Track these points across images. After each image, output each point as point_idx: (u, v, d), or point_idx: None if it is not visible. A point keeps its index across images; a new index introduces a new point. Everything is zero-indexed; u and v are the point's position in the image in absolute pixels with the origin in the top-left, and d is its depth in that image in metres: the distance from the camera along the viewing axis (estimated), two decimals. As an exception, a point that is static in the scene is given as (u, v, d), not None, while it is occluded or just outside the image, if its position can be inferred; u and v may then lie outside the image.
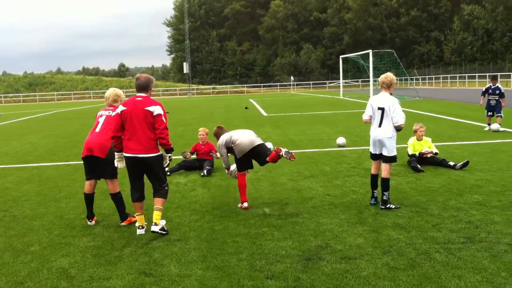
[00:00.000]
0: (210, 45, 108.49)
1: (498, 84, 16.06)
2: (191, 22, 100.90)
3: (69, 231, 6.68)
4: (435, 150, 10.20)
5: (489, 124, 15.75)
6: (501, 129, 15.12)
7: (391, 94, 7.36)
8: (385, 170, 7.20)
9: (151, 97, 6.37)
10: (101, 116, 6.98)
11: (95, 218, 7.10)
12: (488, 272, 4.72)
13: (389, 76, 7.25)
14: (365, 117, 7.44)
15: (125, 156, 6.30)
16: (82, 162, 7.01)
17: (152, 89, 6.48)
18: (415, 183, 8.66)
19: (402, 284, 4.56)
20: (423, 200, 7.48)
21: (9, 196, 8.98)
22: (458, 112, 23.11)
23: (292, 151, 7.34)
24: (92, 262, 5.48)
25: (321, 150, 12.91)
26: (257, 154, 7.44)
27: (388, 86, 7.23)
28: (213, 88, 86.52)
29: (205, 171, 9.97)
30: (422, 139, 10.33)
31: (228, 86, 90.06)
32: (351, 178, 9.27)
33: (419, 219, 6.54)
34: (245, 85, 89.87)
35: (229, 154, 7.65)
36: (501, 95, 15.77)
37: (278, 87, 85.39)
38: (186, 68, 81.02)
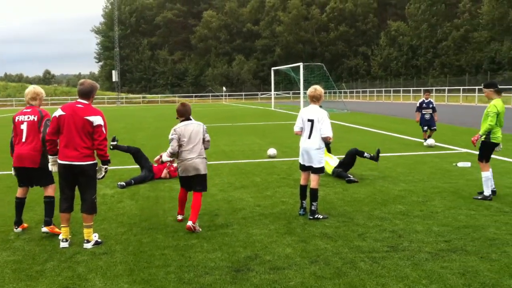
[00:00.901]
0: (141, 54, 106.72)
1: (431, 99, 16.19)
2: (121, 29, 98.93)
3: (-13, 245, 6.34)
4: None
5: (425, 140, 15.55)
6: (429, 142, 15.09)
7: (320, 106, 7.57)
8: (313, 181, 7.35)
9: (92, 105, 6.22)
10: (22, 123, 6.64)
11: (22, 225, 6.84)
12: (410, 280, 4.90)
13: (317, 89, 7.45)
14: (296, 129, 7.58)
15: (59, 163, 6.08)
16: (13, 170, 6.76)
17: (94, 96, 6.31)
18: (342, 193, 8.88)
19: (329, 293, 4.65)
20: (349, 210, 7.68)
21: None
22: (383, 124, 23.98)
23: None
24: (12, 277, 5.22)
25: (252, 161, 13.00)
26: (192, 183, 7.10)
27: (317, 99, 7.43)
28: (143, 97, 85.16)
29: (123, 183, 9.78)
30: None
31: (159, 95, 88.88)
32: (281, 189, 9.38)
33: (346, 229, 6.71)
34: (176, 94, 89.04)
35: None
36: (434, 109, 15.83)
37: (210, 98, 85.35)
38: (115, 76, 79.35)
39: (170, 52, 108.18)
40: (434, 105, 15.99)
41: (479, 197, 8.19)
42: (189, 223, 6.75)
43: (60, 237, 6.23)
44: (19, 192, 6.81)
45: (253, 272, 5.22)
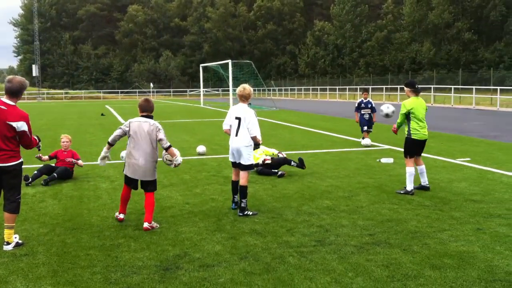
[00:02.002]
0: (63, 48, 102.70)
1: (369, 98, 15.79)
2: (41, 22, 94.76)
3: None
4: (275, 151, 10.83)
5: (363, 138, 15.25)
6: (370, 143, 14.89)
7: (249, 104, 7.63)
8: (242, 178, 7.39)
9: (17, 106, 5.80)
10: None
11: None
12: (336, 273, 5.02)
13: (246, 88, 7.51)
14: (224, 126, 7.60)
15: None
16: None
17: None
18: (272, 190, 8.97)
19: (258, 289, 4.68)
20: (278, 206, 7.77)
21: None
22: (311, 122, 24.47)
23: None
24: None
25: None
26: (144, 184, 6.91)
27: (245, 98, 7.50)
28: (66, 93, 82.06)
29: (46, 180, 9.39)
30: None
31: (83, 91, 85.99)
32: (210, 186, 9.34)
33: (275, 225, 6.78)
34: (101, 90, 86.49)
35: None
36: (373, 109, 15.46)
37: (137, 94, 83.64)
38: (35, 71, 76.03)
39: (94, 47, 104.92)
40: (373, 105, 15.61)
41: (401, 192, 8.53)
42: (145, 224, 6.59)
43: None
44: None
45: (182, 270, 5.16)
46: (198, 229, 6.62)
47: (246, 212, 7.29)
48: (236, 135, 7.36)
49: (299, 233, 6.40)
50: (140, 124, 6.74)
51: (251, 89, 7.61)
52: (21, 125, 5.72)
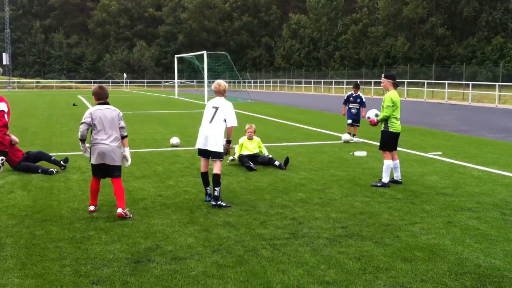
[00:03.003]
0: (34, 36, 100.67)
1: (360, 93, 14.92)
2: (12, 10, 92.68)
3: None
4: (265, 153, 10.67)
5: (349, 133, 14.66)
6: (355, 139, 14.47)
7: (225, 97, 7.62)
8: (216, 166, 7.35)
9: None
10: None
11: None
12: (309, 266, 5.03)
13: (221, 84, 7.53)
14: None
15: None
16: None
17: None
18: (245, 182, 8.94)
19: (230, 281, 4.65)
20: (252, 199, 7.75)
21: None
22: (286, 115, 24.50)
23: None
24: None
25: (154, 150, 12.73)
26: (107, 171, 6.87)
27: (221, 93, 7.54)
28: (37, 82, 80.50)
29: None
30: (252, 139, 10.71)
31: (55, 80, 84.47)
32: (184, 178, 9.26)
33: (248, 217, 6.75)
34: (73, 80, 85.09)
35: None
36: (362, 104, 14.61)
37: (110, 84, 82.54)
38: (6, 59, 74.37)
39: (66, 36, 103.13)
40: (364, 100, 14.75)
41: (378, 184, 8.58)
42: (119, 210, 6.61)
43: None
44: None
45: (153, 263, 5.10)
46: (170, 222, 6.56)
47: (220, 202, 7.26)
48: (210, 122, 7.30)
49: (272, 225, 6.39)
50: (103, 111, 6.78)
51: (226, 84, 7.63)
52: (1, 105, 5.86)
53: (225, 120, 7.34)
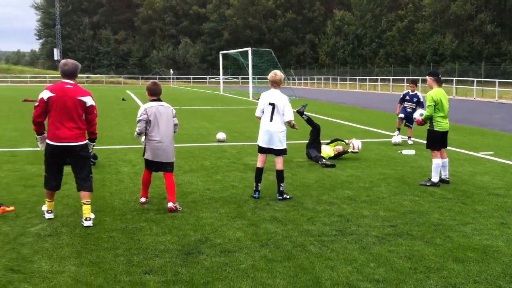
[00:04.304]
0: (83, 32, 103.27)
1: (417, 92, 13.73)
2: (62, 6, 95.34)
3: None
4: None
5: (398, 129, 13.85)
6: (409, 142, 13.37)
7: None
8: (278, 163, 7.45)
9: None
10: None
11: None
12: (358, 263, 5.01)
13: (277, 74, 7.49)
14: (257, 113, 7.60)
15: (51, 145, 6.00)
16: None
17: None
18: (291, 178, 8.95)
19: (279, 276, 4.68)
20: (298, 195, 7.76)
21: None
22: (330, 112, 24.35)
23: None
24: (-51, 260, 4.97)
25: (201, 145, 12.90)
26: (160, 165, 7.00)
27: (277, 84, 7.49)
28: (88, 77, 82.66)
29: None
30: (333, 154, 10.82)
31: (104, 76, 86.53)
32: (230, 173, 9.35)
33: (295, 213, 6.77)
34: (121, 75, 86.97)
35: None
36: (419, 104, 13.29)
37: (157, 80, 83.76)
38: (57, 55, 76.68)
39: (114, 32, 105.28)
40: (421, 99, 13.32)
41: (427, 183, 8.44)
42: (170, 204, 6.75)
43: (45, 208, 6.37)
44: None
45: (203, 255, 5.19)
46: (219, 215, 6.65)
47: (285, 195, 7.40)
48: (271, 120, 7.34)
49: (319, 222, 6.39)
50: (157, 108, 6.88)
51: (282, 75, 7.58)
52: (89, 100, 6.09)
53: (283, 114, 7.35)
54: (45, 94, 5.95)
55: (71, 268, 4.82)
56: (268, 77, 7.58)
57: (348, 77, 65.00)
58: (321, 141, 11.06)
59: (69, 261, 4.98)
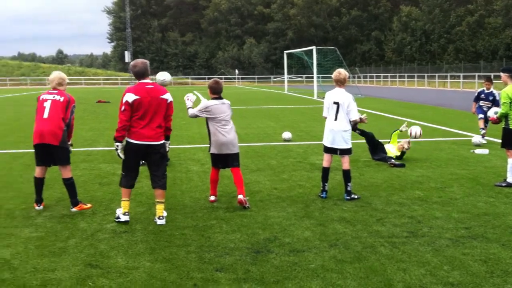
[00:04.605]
0: (152, 35, 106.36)
1: (493, 90, 12.99)
2: (132, 10, 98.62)
3: (10, 221, 6.41)
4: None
5: (482, 129, 12.94)
6: (484, 141, 12.57)
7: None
8: (345, 162, 7.42)
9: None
10: (46, 100, 6.70)
11: (43, 203, 6.94)
12: (431, 266, 4.89)
13: (342, 73, 7.43)
14: (324, 113, 7.61)
15: (135, 144, 6.13)
16: (33, 149, 6.78)
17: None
18: (359, 178, 8.85)
19: (350, 277, 4.65)
20: (367, 195, 7.66)
21: None
22: (398, 110, 23.83)
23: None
24: (36, 253, 5.28)
25: (267, 144, 12.98)
26: (226, 161, 7.18)
27: (341, 83, 7.43)
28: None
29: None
30: (399, 153, 10.52)
31: (172, 77, 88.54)
32: (297, 172, 9.36)
33: (364, 214, 6.69)
34: (189, 76, 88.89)
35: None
36: (495, 102, 12.31)
37: (223, 80, 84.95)
38: (127, 57, 79.33)
39: (181, 34, 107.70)
40: (497, 97, 12.32)
41: (503, 184, 8.10)
42: (240, 196, 6.89)
43: (120, 211, 6.34)
44: (37, 172, 6.86)
45: (273, 254, 5.23)
46: (286, 214, 6.68)
47: (352, 195, 7.36)
48: (335, 119, 7.31)
49: (389, 223, 6.28)
50: (219, 106, 7.07)
51: (347, 73, 7.53)
52: (169, 97, 6.32)
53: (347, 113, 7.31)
54: (130, 97, 6.05)
55: (146, 264, 4.99)
56: (333, 76, 7.55)
57: (415, 74, 63.32)
58: (382, 141, 10.81)
59: (143, 257, 5.17)
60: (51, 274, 4.71)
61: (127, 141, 6.22)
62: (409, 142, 10.43)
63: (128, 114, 6.08)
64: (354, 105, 7.35)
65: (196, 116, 7.21)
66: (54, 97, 6.71)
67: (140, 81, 6.23)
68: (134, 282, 4.55)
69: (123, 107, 6.08)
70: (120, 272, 4.77)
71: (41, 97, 6.79)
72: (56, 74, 6.95)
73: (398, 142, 10.69)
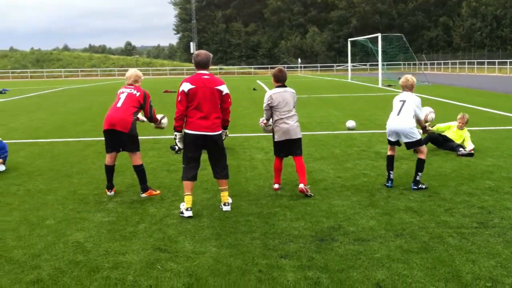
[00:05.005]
0: (216, 26, 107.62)
1: None
2: (197, 1, 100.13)
3: (83, 206, 6.74)
4: (469, 146, 9.75)
5: None
6: None
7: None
8: (421, 152, 7.30)
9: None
10: (123, 93, 7.05)
11: (114, 189, 7.25)
12: (502, 258, 4.73)
13: (409, 79, 7.44)
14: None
15: (192, 134, 6.17)
16: (103, 135, 7.08)
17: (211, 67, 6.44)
18: (427, 167, 8.58)
19: (416, 267, 4.58)
20: (434, 185, 7.47)
21: (22, 170, 9.04)
22: (466, 97, 22.98)
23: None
24: (107, 237, 5.53)
25: (330, 133, 12.90)
26: (290, 149, 7.21)
27: (409, 89, 7.41)
28: (220, 69, 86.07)
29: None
30: (462, 129, 10.19)
31: (235, 67, 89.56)
32: (361, 161, 9.26)
33: (431, 204, 6.54)
34: (252, 66, 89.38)
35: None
36: None
37: (286, 69, 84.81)
38: (193, 48, 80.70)
39: (245, 24, 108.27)
40: None
41: None
42: (301, 185, 6.91)
43: (183, 206, 6.25)
44: (108, 160, 7.13)
45: (337, 242, 5.23)
46: (351, 203, 6.64)
47: (420, 185, 7.24)
48: (398, 114, 7.21)
49: (458, 213, 6.11)
50: (281, 94, 7.07)
51: (414, 79, 7.45)
52: (225, 88, 6.28)
53: (414, 115, 7.22)
54: (185, 87, 6.13)
55: (212, 249, 5.11)
56: (400, 82, 7.54)
57: (485, 60, 60.70)
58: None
59: (209, 243, 5.30)
60: (122, 257, 4.93)
61: (185, 132, 6.27)
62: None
63: (184, 103, 6.14)
64: (420, 107, 7.33)
65: (268, 114, 7.17)
66: (131, 90, 7.05)
67: (198, 72, 6.27)
68: (200, 267, 4.67)
69: (179, 97, 6.18)
70: (187, 257, 4.92)
71: (119, 91, 7.15)
72: (133, 72, 7.28)
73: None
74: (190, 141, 6.23)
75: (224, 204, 6.41)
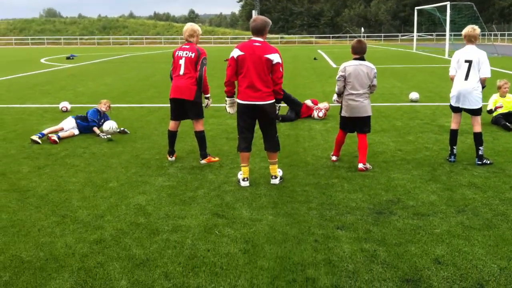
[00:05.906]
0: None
1: None
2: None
3: (145, 170, 6.94)
4: None
5: None
6: None
7: None
8: (475, 125, 6.99)
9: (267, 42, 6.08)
10: (181, 58, 6.95)
11: (175, 154, 7.41)
12: None
13: (476, 29, 6.91)
14: (451, 72, 7.11)
15: (241, 104, 6.03)
16: (169, 102, 7.20)
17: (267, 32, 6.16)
18: (492, 142, 8.31)
19: (477, 244, 4.45)
20: (500, 161, 7.19)
21: (87, 134, 9.37)
22: (540, 71, 21.76)
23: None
24: (168, 201, 5.69)
25: (392, 105, 12.59)
26: (356, 125, 6.99)
27: (475, 39, 6.89)
28: (281, 38, 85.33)
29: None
30: (505, 96, 9.83)
31: (296, 36, 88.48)
32: (424, 135, 9.01)
33: (496, 180, 6.31)
34: (313, 35, 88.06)
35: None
36: None
37: (348, 39, 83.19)
38: (254, 16, 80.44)
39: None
40: None
41: None
42: (360, 165, 6.78)
43: (240, 176, 6.26)
44: (171, 125, 7.29)
45: (395, 216, 5.15)
46: (411, 177, 6.49)
47: (484, 160, 6.97)
48: (466, 78, 6.87)
49: (525, 191, 5.87)
50: (356, 68, 6.75)
51: (479, 29, 6.98)
52: (276, 57, 5.91)
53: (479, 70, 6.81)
54: (235, 53, 5.93)
55: (269, 217, 5.16)
56: (465, 32, 6.93)
57: None
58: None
59: (266, 211, 5.34)
60: (181, 221, 5.06)
61: (237, 102, 6.15)
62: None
63: (233, 69, 5.96)
64: (487, 63, 6.80)
65: (340, 85, 6.88)
66: (186, 53, 6.94)
67: (252, 38, 6.06)
68: (257, 234, 4.74)
69: (228, 63, 6.05)
70: (244, 223, 4.99)
71: (176, 53, 7.05)
72: (188, 26, 7.13)
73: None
74: (240, 110, 6.10)
75: (272, 177, 6.29)
